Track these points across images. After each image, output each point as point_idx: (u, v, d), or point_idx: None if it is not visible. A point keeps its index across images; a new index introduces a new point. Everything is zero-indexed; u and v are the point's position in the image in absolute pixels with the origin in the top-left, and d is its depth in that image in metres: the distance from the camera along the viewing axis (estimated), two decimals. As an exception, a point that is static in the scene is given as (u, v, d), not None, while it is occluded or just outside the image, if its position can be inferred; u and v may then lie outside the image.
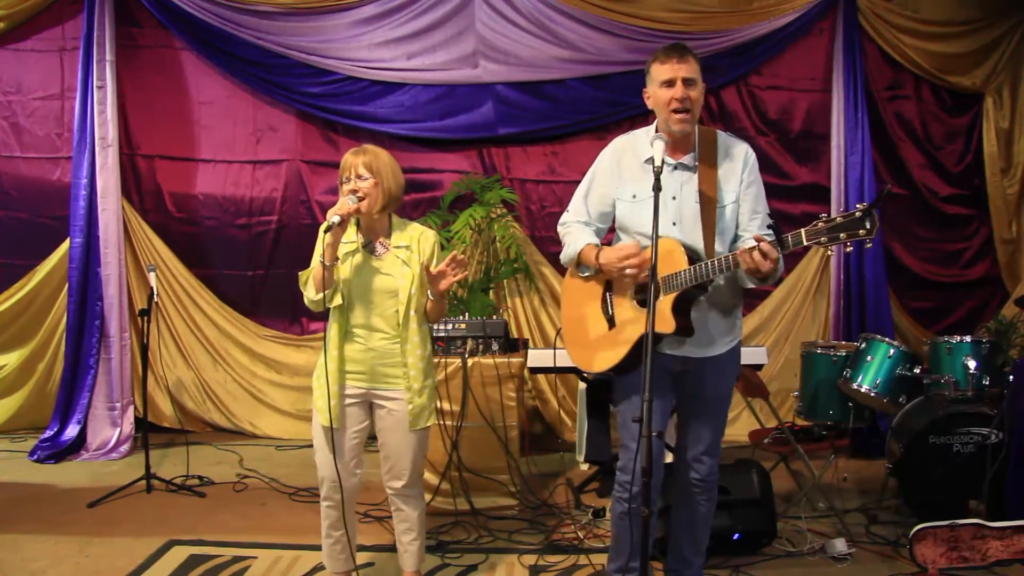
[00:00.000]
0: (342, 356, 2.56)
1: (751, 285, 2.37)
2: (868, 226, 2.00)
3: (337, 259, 2.49)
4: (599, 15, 4.92)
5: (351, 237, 2.59)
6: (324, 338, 2.58)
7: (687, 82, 2.30)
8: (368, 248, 2.58)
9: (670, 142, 2.37)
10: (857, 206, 2.03)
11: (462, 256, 2.52)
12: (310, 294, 2.51)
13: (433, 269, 2.50)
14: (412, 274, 2.55)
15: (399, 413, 2.58)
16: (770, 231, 2.15)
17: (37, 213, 5.05)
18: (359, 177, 2.49)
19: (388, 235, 2.61)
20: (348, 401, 2.58)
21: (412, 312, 2.55)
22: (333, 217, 2.41)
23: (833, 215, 2.07)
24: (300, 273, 2.57)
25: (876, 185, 4.96)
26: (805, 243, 2.11)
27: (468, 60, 5.03)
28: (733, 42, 4.97)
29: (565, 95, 5.10)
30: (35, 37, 4.98)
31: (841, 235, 2.04)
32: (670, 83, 2.31)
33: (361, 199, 2.48)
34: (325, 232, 2.40)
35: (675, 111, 2.32)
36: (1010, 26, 5.13)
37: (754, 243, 2.17)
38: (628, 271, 2.33)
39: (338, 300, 2.52)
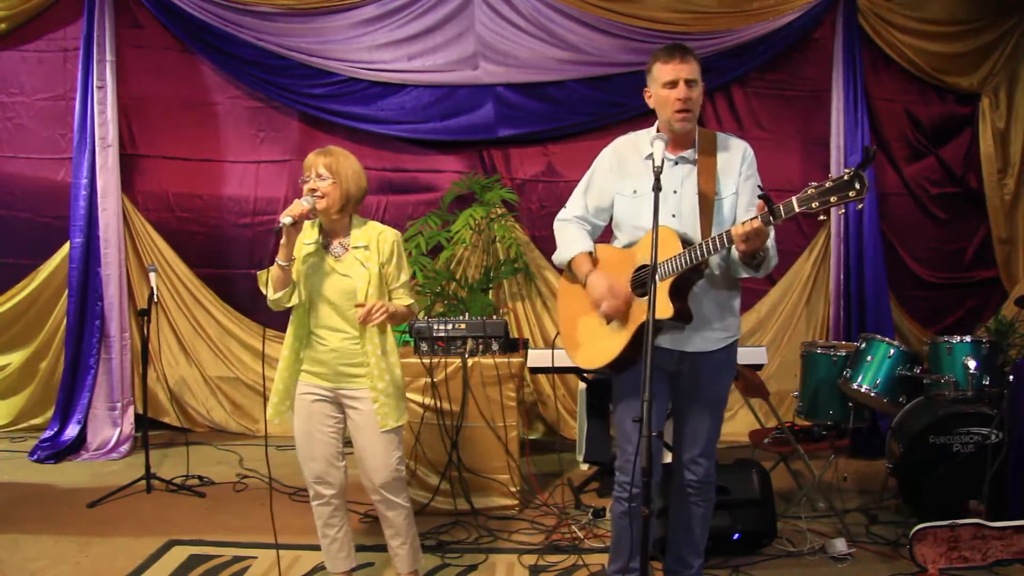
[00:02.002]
0: (296, 356, 2.60)
1: (744, 274, 2.38)
2: (858, 186, 1.99)
3: (293, 259, 2.51)
4: (599, 16, 4.93)
5: (312, 238, 2.61)
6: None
7: (689, 83, 2.36)
8: (328, 249, 2.61)
9: (670, 140, 2.40)
10: (845, 169, 2.03)
11: (376, 314, 2.49)
12: (269, 294, 2.53)
13: (363, 306, 2.50)
14: (369, 274, 2.56)
15: (366, 412, 2.60)
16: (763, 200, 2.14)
17: (41, 213, 5.07)
18: (319, 176, 2.52)
19: (348, 235, 2.63)
20: (315, 398, 2.61)
21: None
22: (285, 219, 2.43)
23: (822, 181, 2.07)
24: (259, 273, 2.58)
25: (875, 186, 4.97)
26: (797, 209, 2.10)
27: (468, 61, 5.03)
28: (733, 42, 4.97)
29: (565, 96, 5.11)
30: (37, 38, 4.99)
31: (832, 199, 2.04)
32: (673, 84, 2.36)
33: (320, 198, 2.51)
34: (275, 234, 2.43)
35: (678, 111, 2.37)
36: (1009, 27, 5.14)
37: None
38: (602, 307, 2.40)
39: (295, 300, 2.55)
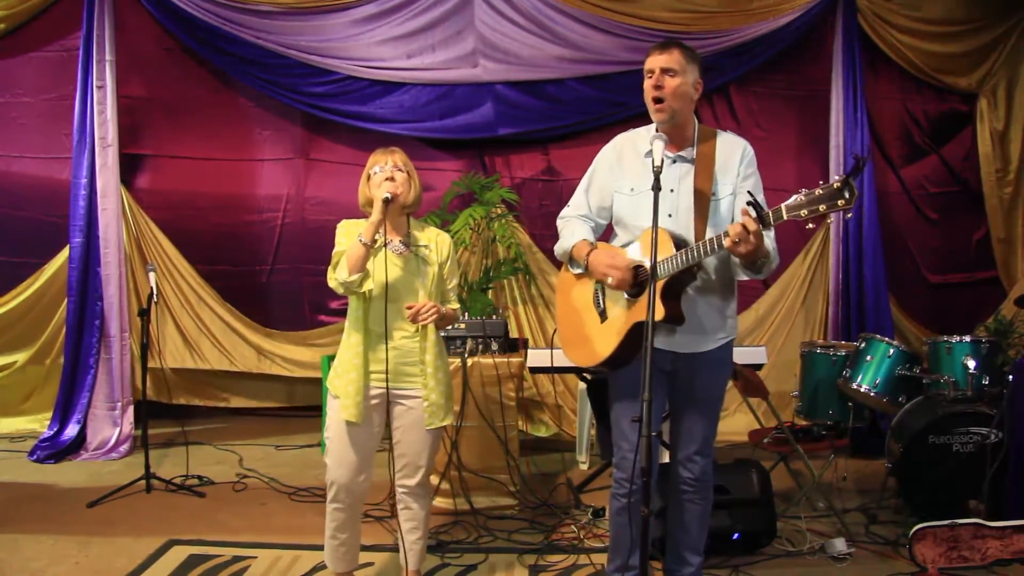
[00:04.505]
0: (366, 355, 2.57)
1: (743, 276, 2.37)
2: (847, 195, 1.99)
3: (376, 241, 2.51)
4: (599, 15, 4.93)
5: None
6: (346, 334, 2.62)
7: (666, 72, 2.33)
8: (390, 247, 2.62)
9: (668, 140, 2.38)
10: (835, 177, 2.02)
11: (425, 313, 2.50)
12: (341, 275, 2.49)
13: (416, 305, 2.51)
14: (432, 272, 2.63)
15: (417, 411, 2.62)
16: (751, 208, 2.13)
17: (46, 212, 5.07)
18: (397, 168, 2.59)
19: (407, 235, 2.67)
20: (372, 402, 2.60)
21: None
22: (385, 194, 2.49)
23: (813, 188, 2.06)
24: (334, 253, 2.57)
25: (875, 186, 4.98)
26: (785, 217, 2.10)
27: (467, 59, 5.03)
28: (733, 42, 4.97)
29: (565, 95, 5.11)
30: (38, 38, 4.98)
31: (820, 207, 2.03)
32: (650, 73, 2.36)
33: (398, 189, 2.56)
34: (385, 204, 2.47)
35: (653, 100, 2.36)
36: (1007, 27, 5.13)
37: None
38: (608, 280, 2.38)
39: (368, 285, 2.53)
